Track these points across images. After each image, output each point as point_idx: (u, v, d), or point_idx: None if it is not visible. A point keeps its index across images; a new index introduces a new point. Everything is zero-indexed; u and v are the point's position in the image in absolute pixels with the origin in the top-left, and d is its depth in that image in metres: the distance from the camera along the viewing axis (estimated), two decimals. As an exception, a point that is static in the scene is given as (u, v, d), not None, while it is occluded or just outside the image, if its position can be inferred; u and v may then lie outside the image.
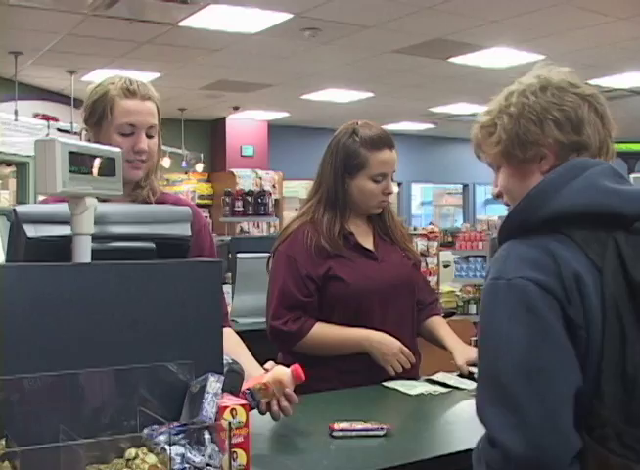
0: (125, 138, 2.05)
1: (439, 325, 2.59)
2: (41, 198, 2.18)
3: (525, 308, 1.26)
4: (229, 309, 4.18)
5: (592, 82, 9.59)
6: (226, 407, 1.37)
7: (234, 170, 11.92)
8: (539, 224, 1.32)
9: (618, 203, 1.31)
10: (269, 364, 1.88)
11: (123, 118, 2.05)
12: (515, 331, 1.26)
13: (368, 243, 2.49)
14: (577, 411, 1.24)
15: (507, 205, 1.52)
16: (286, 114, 12.30)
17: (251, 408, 1.81)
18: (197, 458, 1.22)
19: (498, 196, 1.54)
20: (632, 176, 4.08)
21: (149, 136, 2.09)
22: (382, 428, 1.80)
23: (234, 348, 2.04)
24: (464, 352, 2.42)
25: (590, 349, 1.25)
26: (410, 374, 2.44)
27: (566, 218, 1.31)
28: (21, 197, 9.43)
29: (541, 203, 1.32)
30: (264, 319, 2.49)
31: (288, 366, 2.25)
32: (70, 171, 1.31)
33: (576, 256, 1.28)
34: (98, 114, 2.09)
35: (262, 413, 1.81)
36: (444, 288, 8.18)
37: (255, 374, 1.88)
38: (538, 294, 1.26)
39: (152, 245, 1.44)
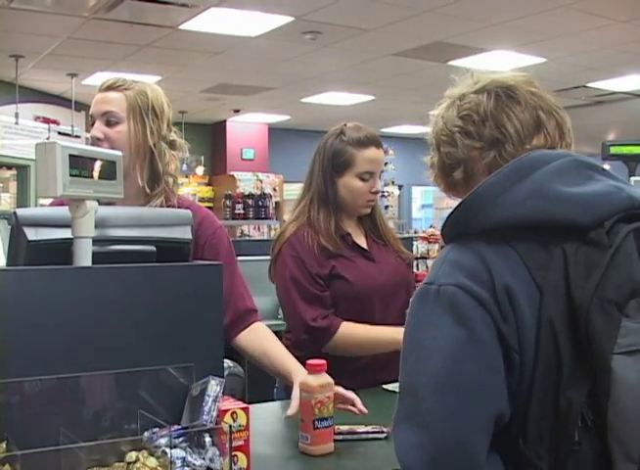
0: (91, 130, 2.08)
1: None
2: (47, 201, 2.17)
3: (454, 318, 1.12)
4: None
5: (593, 85, 9.61)
6: (227, 410, 1.37)
7: (234, 173, 11.94)
8: (477, 233, 1.17)
9: (570, 211, 1.14)
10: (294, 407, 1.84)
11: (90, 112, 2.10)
12: (439, 342, 1.13)
13: (363, 244, 2.51)
14: (502, 444, 1.11)
15: None
16: (286, 117, 12.31)
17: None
18: (197, 461, 1.22)
19: None
20: (633, 179, 4.07)
21: (109, 124, 2.05)
22: (382, 431, 1.80)
23: (275, 347, 2.07)
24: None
25: (522, 376, 1.10)
26: None
27: (506, 229, 1.15)
28: (21, 200, 9.44)
29: (477, 211, 1.17)
30: (265, 322, 2.48)
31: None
32: (71, 175, 1.31)
33: (515, 269, 1.13)
34: None
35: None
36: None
37: (301, 372, 1.87)
38: (470, 304, 1.12)
39: (152, 248, 1.44)
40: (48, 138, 8.19)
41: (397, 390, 2.39)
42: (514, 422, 1.11)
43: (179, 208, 2.05)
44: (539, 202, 1.15)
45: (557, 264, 1.12)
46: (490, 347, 1.11)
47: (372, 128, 2.52)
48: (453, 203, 1.27)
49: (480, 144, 1.29)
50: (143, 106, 2.07)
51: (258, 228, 10.70)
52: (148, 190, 2.05)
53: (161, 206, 2.06)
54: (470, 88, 1.33)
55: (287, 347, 2.48)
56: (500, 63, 7.94)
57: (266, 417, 1.96)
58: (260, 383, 2.43)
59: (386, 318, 2.41)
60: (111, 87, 2.07)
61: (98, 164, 1.39)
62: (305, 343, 2.35)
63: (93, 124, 2.06)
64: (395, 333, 2.32)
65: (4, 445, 1.16)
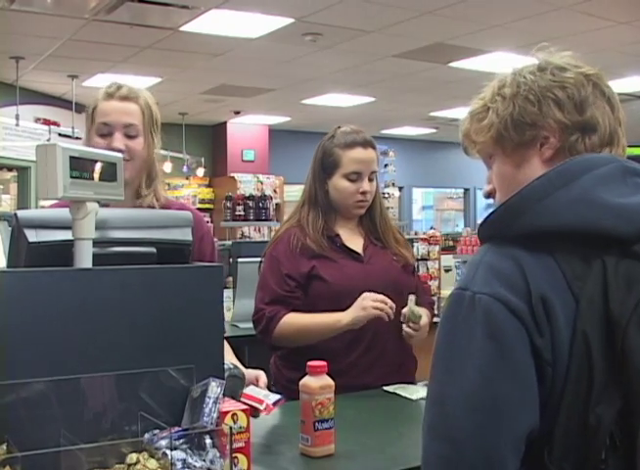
0: (103, 139, 2.08)
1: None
2: (47, 203, 2.19)
3: (487, 332, 1.08)
4: (229, 314, 4.19)
5: (593, 87, 9.60)
6: (227, 412, 1.37)
7: (235, 175, 11.93)
8: (516, 237, 1.13)
9: (613, 222, 1.09)
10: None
11: (99, 119, 2.10)
12: (471, 355, 1.09)
13: (356, 245, 2.52)
14: (526, 456, 1.09)
15: None
16: (287, 118, 12.31)
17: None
18: (198, 463, 1.21)
19: (489, 195, 1.34)
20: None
21: (129, 136, 2.09)
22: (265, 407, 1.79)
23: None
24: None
25: (553, 388, 1.07)
26: (406, 379, 2.45)
27: (546, 235, 1.11)
28: (22, 201, 9.46)
29: (519, 214, 1.13)
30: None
31: (280, 371, 2.28)
32: (72, 176, 1.31)
33: (552, 278, 1.09)
34: (88, 119, 2.14)
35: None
36: (445, 292, 8.17)
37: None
38: (504, 317, 1.08)
39: (153, 250, 1.44)
40: (49, 140, 8.19)
41: (398, 392, 2.42)
42: (540, 434, 1.08)
43: (168, 208, 2.10)
44: (583, 210, 1.10)
45: (595, 276, 1.08)
46: (523, 362, 1.08)
47: (365, 130, 2.54)
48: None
49: (569, 122, 1.23)
50: (152, 119, 2.14)
51: (259, 230, 10.69)
52: (141, 193, 2.13)
53: (152, 205, 2.10)
54: (572, 66, 1.29)
55: (277, 358, 2.52)
56: (501, 64, 7.92)
57: (267, 419, 1.96)
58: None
59: (369, 321, 2.39)
60: (127, 98, 2.11)
61: (98, 166, 1.39)
62: (257, 335, 2.43)
63: (105, 134, 2.08)
64: (334, 320, 2.35)
65: (4, 446, 1.16)
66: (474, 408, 1.08)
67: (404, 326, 2.35)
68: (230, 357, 2.05)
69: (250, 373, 1.96)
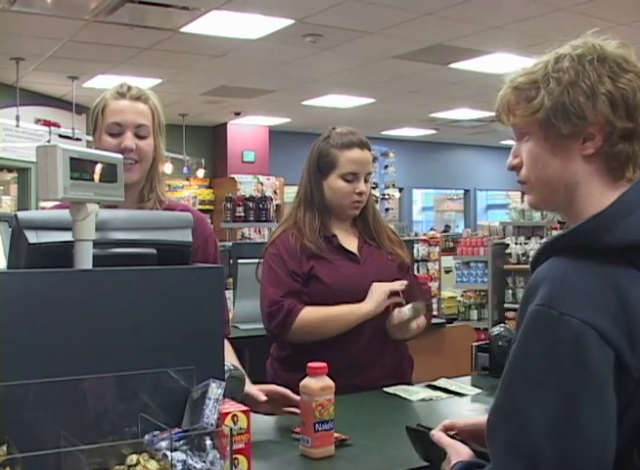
0: (113, 138, 2.08)
1: None
2: (48, 205, 2.19)
3: (575, 359, 1.07)
4: (230, 315, 4.18)
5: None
6: (227, 413, 1.37)
7: (235, 176, 11.94)
8: (603, 249, 1.12)
9: None
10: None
11: (111, 118, 2.09)
12: (556, 378, 1.08)
13: (351, 246, 2.52)
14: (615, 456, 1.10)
15: (521, 182, 1.29)
16: (287, 119, 12.32)
17: None
18: (198, 464, 1.21)
19: (514, 168, 1.30)
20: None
21: (140, 136, 2.09)
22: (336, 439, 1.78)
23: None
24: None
25: (638, 396, 1.08)
26: (403, 380, 2.45)
27: (633, 249, 1.11)
28: (22, 203, 9.46)
29: (611, 226, 1.12)
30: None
31: (277, 373, 2.26)
32: (72, 178, 1.31)
33: None
34: (94, 118, 2.13)
35: None
36: (446, 293, 8.19)
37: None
38: (596, 344, 1.07)
39: (153, 251, 1.44)
40: (49, 141, 8.18)
41: (398, 393, 2.42)
42: (628, 434, 1.08)
43: (172, 210, 2.10)
44: None
45: None
46: (608, 384, 1.08)
47: (365, 131, 2.54)
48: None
49: (618, 126, 1.20)
50: (161, 121, 2.15)
51: (259, 231, 10.68)
52: (144, 195, 2.13)
53: (155, 207, 2.10)
54: (625, 63, 1.22)
55: (274, 360, 2.50)
56: (501, 65, 7.95)
57: (267, 420, 1.96)
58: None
59: (366, 322, 2.39)
60: (139, 98, 2.12)
61: (99, 167, 1.39)
62: (271, 330, 2.39)
63: (115, 133, 2.08)
64: (356, 308, 2.36)
65: (5, 447, 1.16)
66: (559, 435, 1.07)
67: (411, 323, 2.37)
68: (231, 359, 2.05)
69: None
